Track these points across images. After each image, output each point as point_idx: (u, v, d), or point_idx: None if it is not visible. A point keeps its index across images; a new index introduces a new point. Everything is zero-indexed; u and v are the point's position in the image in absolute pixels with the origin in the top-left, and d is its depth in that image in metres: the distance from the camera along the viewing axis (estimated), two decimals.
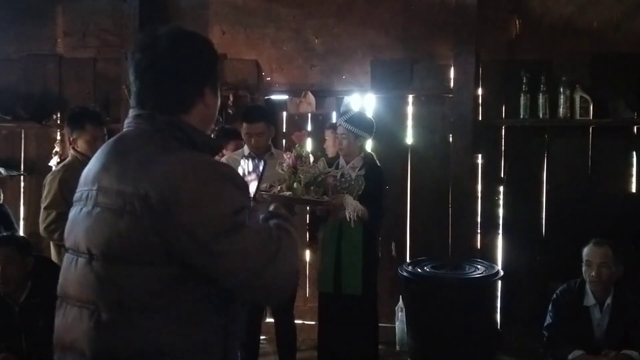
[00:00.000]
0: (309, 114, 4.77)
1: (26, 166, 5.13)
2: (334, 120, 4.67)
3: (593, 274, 3.11)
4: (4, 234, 3.02)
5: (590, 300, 3.16)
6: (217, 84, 1.52)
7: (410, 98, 4.67)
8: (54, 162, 4.82)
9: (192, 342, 1.35)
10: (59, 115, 5.05)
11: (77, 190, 1.48)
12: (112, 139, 1.50)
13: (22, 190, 5.15)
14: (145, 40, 1.47)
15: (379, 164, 3.74)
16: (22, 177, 5.13)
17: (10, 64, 5.16)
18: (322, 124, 4.73)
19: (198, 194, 1.30)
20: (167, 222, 1.28)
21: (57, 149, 4.87)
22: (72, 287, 1.40)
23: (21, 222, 5.11)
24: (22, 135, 5.15)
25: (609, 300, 3.15)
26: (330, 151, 4.22)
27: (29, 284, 2.98)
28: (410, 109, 4.68)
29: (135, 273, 1.31)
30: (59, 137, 4.92)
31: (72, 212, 1.47)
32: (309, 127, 4.80)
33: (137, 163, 1.35)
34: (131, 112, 1.48)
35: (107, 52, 5.03)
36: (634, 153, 4.33)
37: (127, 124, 1.47)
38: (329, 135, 4.30)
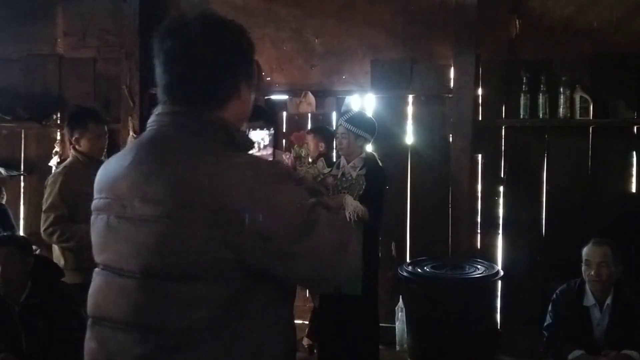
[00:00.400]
0: (309, 114, 4.77)
1: (26, 166, 5.13)
2: (334, 120, 4.68)
3: (592, 273, 3.11)
4: (4, 234, 3.02)
5: (589, 300, 3.16)
6: (253, 78, 1.38)
7: (410, 98, 4.67)
8: (54, 162, 4.82)
9: (259, 355, 1.25)
10: (59, 115, 5.05)
11: (99, 196, 1.33)
12: (140, 140, 1.33)
13: (22, 190, 5.15)
14: (175, 26, 1.30)
15: (380, 164, 3.74)
16: (22, 177, 5.13)
17: (10, 64, 5.16)
18: (322, 124, 4.74)
19: (271, 198, 1.20)
20: (241, 231, 1.17)
21: (57, 149, 4.87)
22: (114, 310, 1.25)
23: (21, 222, 5.11)
24: (22, 135, 5.15)
25: (608, 300, 3.15)
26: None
27: (29, 284, 2.98)
28: (410, 109, 4.68)
29: (200, 290, 1.19)
30: (59, 137, 4.92)
31: (98, 223, 1.31)
32: (309, 127, 4.80)
33: (192, 170, 1.20)
34: (162, 108, 1.32)
35: (107, 52, 5.03)
36: (634, 153, 4.33)
37: (158, 121, 1.31)
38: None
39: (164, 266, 1.19)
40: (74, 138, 3.56)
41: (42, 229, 3.43)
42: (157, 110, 1.33)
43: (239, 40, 1.34)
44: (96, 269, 1.32)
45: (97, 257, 1.31)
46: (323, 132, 4.45)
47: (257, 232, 1.18)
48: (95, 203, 1.34)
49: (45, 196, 3.46)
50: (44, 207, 3.44)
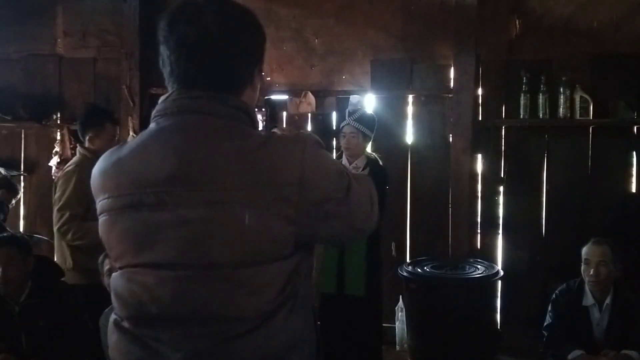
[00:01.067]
0: (309, 114, 4.77)
1: (26, 166, 5.14)
2: (333, 121, 4.68)
3: (591, 272, 3.11)
4: (4, 234, 3.02)
5: (589, 300, 3.16)
6: (262, 65, 1.37)
7: (410, 98, 4.66)
8: (54, 162, 4.82)
9: (309, 330, 1.28)
10: (59, 115, 5.06)
11: (116, 193, 1.23)
12: (162, 128, 1.24)
13: (22, 190, 5.15)
14: (189, 10, 1.25)
15: (381, 164, 3.73)
16: (22, 177, 5.13)
17: (10, 64, 5.16)
18: (322, 124, 4.74)
19: (319, 166, 1.22)
20: (298, 203, 1.18)
21: (57, 149, 4.87)
22: (170, 307, 1.19)
23: (21, 222, 5.12)
24: (22, 135, 5.15)
25: (608, 300, 3.14)
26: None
27: (29, 284, 2.98)
28: (410, 109, 4.68)
29: (262, 274, 1.18)
30: (59, 137, 4.91)
31: (125, 223, 1.22)
32: (309, 127, 4.80)
33: (239, 151, 1.18)
34: (178, 94, 1.25)
35: (107, 52, 5.04)
36: (634, 153, 4.33)
37: (179, 106, 1.24)
38: None
39: (225, 254, 1.17)
40: (87, 137, 3.53)
41: (55, 228, 3.42)
42: (172, 96, 1.26)
43: (254, 25, 1.32)
44: (131, 270, 1.24)
45: (135, 258, 1.22)
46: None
47: (311, 201, 1.19)
48: (110, 202, 1.24)
49: (58, 194, 3.42)
50: (57, 206, 3.41)
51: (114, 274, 1.29)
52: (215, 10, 1.24)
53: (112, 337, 1.27)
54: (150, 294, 1.20)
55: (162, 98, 1.28)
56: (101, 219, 1.29)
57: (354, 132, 3.64)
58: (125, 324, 1.24)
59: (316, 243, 1.32)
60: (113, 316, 1.29)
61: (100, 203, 1.29)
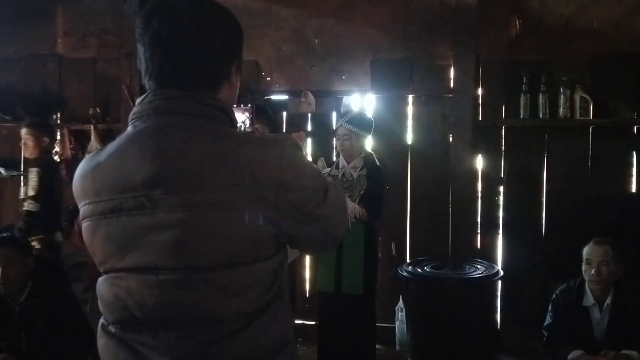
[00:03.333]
0: (309, 114, 4.77)
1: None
2: (333, 121, 4.68)
3: (593, 272, 3.11)
4: (4, 234, 3.02)
5: (589, 300, 3.16)
6: (241, 63, 1.34)
7: (410, 98, 4.67)
8: None
9: (292, 328, 1.30)
10: (59, 115, 5.05)
11: (96, 199, 1.22)
12: (139, 131, 1.22)
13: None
14: (163, 6, 1.23)
15: (379, 164, 3.75)
16: (22, 177, 5.13)
17: (10, 64, 5.16)
18: (322, 124, 4.74)
19: (298, 168, 1.22)
20: (277, 204, 1.18)
21: (57, 149, 4.87)
22: (154, 310, 1.18)
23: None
24: None
25: (608, 300, 3.14)
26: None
27: (29, 284, 2.98)
28: (410, 109, 4.68)
29: (247, 275, 1.18)
30: (59, 137, 4.91)
31: (106, 228, 1.21)
32: (309, 127, 4.80)
33: (218, 152, 1.17)
34: (153, 95, 1.23)
35: (107, 52, 5.04)
36: (634, 153, 4.33)
37: (154, 108, 1.22)
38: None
39: (205, 257, 1.16)
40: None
41: None
42: (148, 98, 1.24)
43: (230, 22, 1.30)
44: (114, 275, 1.23)
45: (117, 263, 1.21)
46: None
47: (290, 202, 1.20)
48: (91, 207, 1.23)
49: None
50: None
51: (99, 279, 1.29)
52: (189, 6, 1.23)
53: (100, 341, 1.27)
54: (133, 298, 1.19)
55: (138, 100, 1.27)
56: (84, 225, 1.28)
57: (346, 134, 3.69)
58: (112, 329, 1.24)
59: (305, 244, 1.33)
60: (101, 320, 1.29)
61: (82, 209, 1.28)
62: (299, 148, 1.28)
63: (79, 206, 1.29)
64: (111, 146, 1.26)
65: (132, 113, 1.27)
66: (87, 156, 1.32)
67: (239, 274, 1.18)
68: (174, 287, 1.17)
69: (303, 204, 1.22)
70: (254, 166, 1.17)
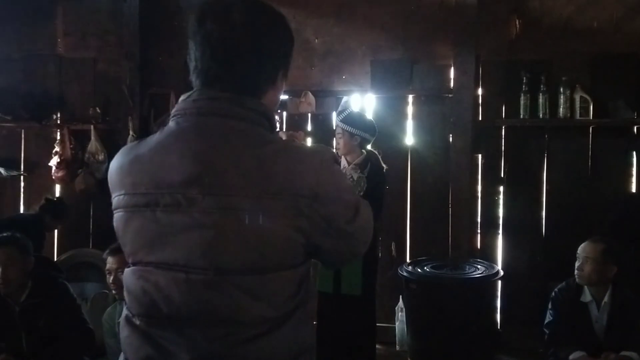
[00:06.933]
0: (309, 114, 4.77)
1: (26, 166, 5.13)
2: (333, 121, 4.68)
3: (576, 266, 3.16)
4: (4, 234, 3.02)
5: (587, 296, 3.19)
6: (288, 70, 1.34)
7: (410, 98, 4.66)
8: (54, 162, 4.82)
9: (313, 336, 1.31)
10: (59, 115, 5.05)
11: (133, 191, 1.23)
12: (181, 128, 1.24)
13: (22, 190, 5.15)
14: (217, 8, 1.24)
15: (382, 164, 3.74)
16: (22, 177, 5.13)
17: (10, 64, 5.15)
18: (322, 124, 4.75)
19: (334, 182, 1.23)
20: (311, 215, 1.19)
21: (57, 149, 4.86)
22: (181, 308, 1.19)
23: None
24: (22, 135, 5.15)
25: (606, 298, 3.16)
26: None
27: (29, 284, 2.98)
28: (410, 109, 4.68)
29: (275, 280, 1.19)
30: (59, 137, 4.91)
31: (139, 220, 1.23)
32: (309, 127, 4.80)
33: (258, 158, 1.18)
34: (198, 94, 1.25)
35: (107, 52, 5.03)
36: (634, 153, 4.33)
37: (198, 107, 1.23)
38: None
39: (234, 260, 1.17)
40: None
41: None
42: (193, 96, 1.25)
43: (282, 29, 1.30)
44: (142, 267, 1.24)
45: (146, 256, 1.23)
46: None
47: (322, 215, 1.20)
48: (126, 198, 1.25)
49: None
50: None
51: (126, 270, 1.30)
52: (243, 9, 1.24)
53: (123, 332, 1.28)
54: (161, 293, 1.20)
55: (182, 97, 1.28)
56: (116, 214, 1.29)
57: (339, 133, 3.71)
58: (136, 321, 1.24)
59: (328, 258, 1.32)
60: (125, 311, 1.29)
61: (116, 198, 1.29)
62: (336, 161, 1.29)
63: (113, 195, 1.30)
64: (152, 140, 1.27)
65: (174, 109, 1.28)
66: (125, 147, 1.34)
67: (266, 279, 1.19)
68: (202, 287, 1.18)
69: (334, 218, 1.23)
70: (292, 176, 1.18)
